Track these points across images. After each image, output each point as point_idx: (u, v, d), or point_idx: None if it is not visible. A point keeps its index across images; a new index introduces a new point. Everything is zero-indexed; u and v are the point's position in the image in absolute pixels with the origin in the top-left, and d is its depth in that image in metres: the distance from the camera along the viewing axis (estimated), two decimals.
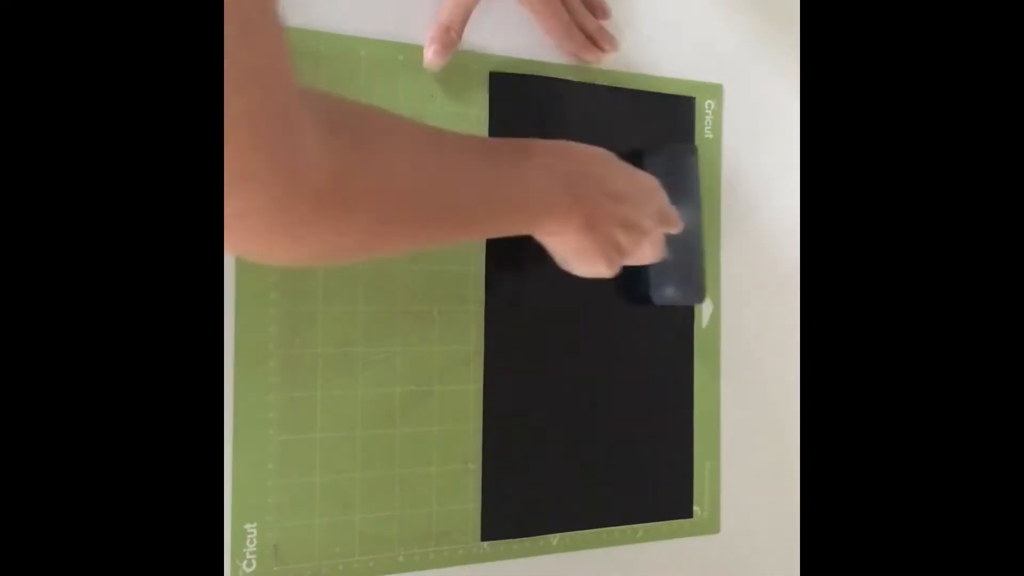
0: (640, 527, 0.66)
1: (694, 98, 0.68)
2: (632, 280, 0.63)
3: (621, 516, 0.65)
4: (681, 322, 0.68)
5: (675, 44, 0.68)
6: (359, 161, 0.41)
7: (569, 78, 0.64)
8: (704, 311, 0.69)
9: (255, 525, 0.54)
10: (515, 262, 0.62)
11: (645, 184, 0.56)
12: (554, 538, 0.63)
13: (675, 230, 0.59)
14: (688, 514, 0.68)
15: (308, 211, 0.37)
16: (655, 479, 0.66)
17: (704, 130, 0.69)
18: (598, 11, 0.65)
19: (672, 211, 0.58)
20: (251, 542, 0.54)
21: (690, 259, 0.64)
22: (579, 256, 0.54)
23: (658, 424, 0.67)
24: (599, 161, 0.54)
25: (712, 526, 0.69)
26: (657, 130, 0.67)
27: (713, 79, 0.69)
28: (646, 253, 0.57)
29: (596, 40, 0.64)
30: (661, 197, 0.57)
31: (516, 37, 0.62)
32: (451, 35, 0.57)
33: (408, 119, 0.48)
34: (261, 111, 0.33)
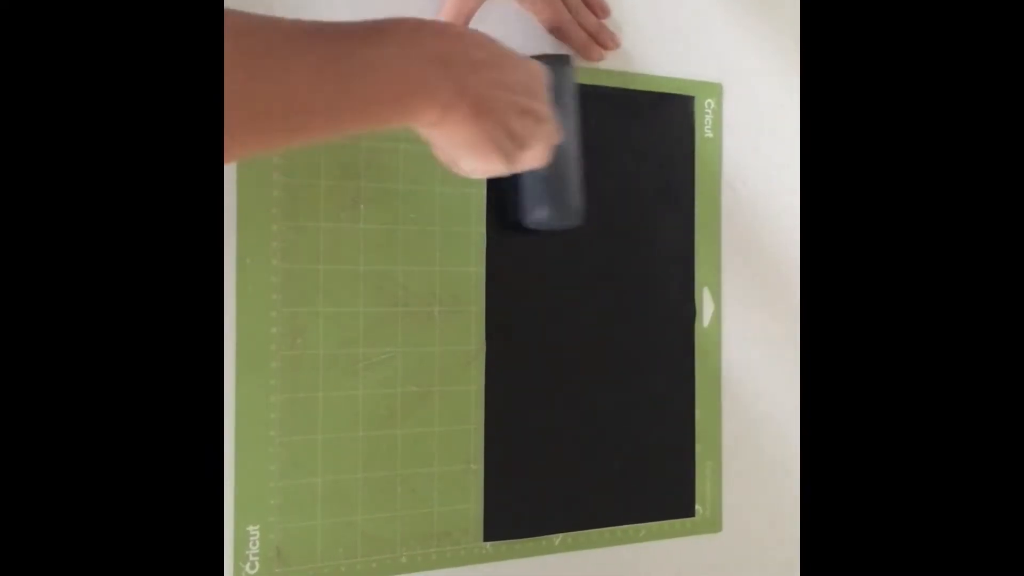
0: (642, 527, 0.66)
1: (693, 97, 0.68)
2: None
3: (623, 516, 0.65)
4: (682, 321, 0.68)
5: (675, 43, 0.68)
6: None
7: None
8: (704, 311, 0.69)
9: (257, 527, 0.54)
10: (516, 262, 0.62)
11: (533, 69, 0.50)
12: (556, 538, 0.63)
13: (554, 140, 0.53)
14: (690, 513, 0.68)
15: None
16: (657, 478, 0.66)
17: (704, 129, 0.69)
18: (598, 10, 0.65)
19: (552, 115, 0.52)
20: (254, 544, 0.54)
21: (564, 178, 0.60)
22: (469, 150, 0.48)
23: (660, 423, 0.67)
24: (481, 44, 0.48)
25: (714, 525, 0.69)
26: (656, 129, 0.67)
27: (713, 78, 0.70)
28: (537, 152, 0.51)
29: (598, 38, 0.64)
30: (546, 81, 0.52)
31: (516, 38, 0.62)
32: None
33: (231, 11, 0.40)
34: None
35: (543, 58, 0.58)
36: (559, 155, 0.56)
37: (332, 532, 0.56)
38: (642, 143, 0.66)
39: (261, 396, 0.54)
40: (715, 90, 0.69)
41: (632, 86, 0.66)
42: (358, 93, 0.43)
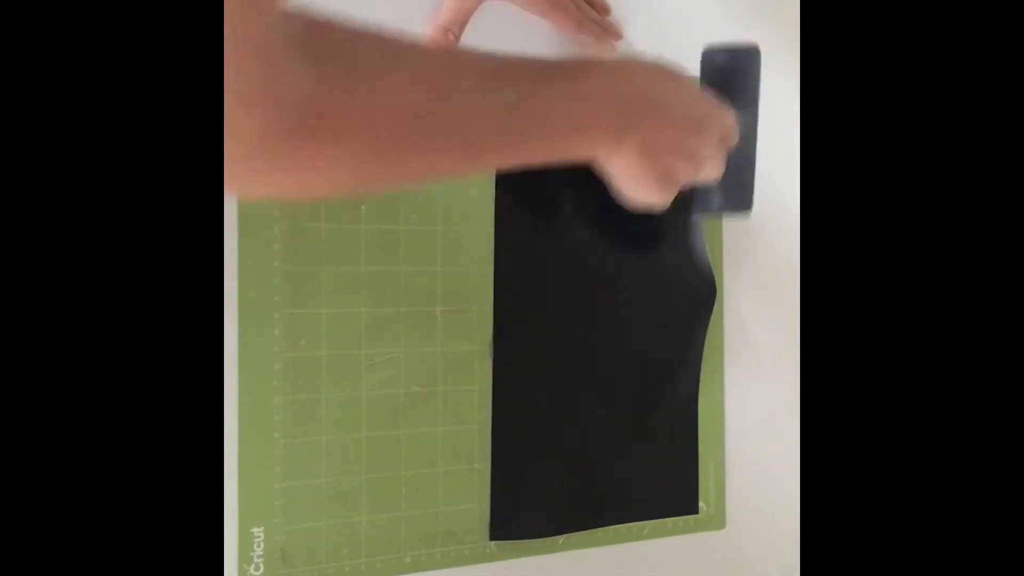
0: (646, 524, 0.66)
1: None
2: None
3: (628, 514, 0.65)
4: (688, 321, 0.68)
5: (676, 41, 0.68)
6: (346, 83, 0.38)
7: None
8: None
9: (262, 528, 0.54)
10: (524, 262, 0.62)
11: (710, 109, 0.52)
12: (560, 536, 0.63)
13: (732, 145, 0.55)
14: (694, 510, 0.68)
15: (296, 139, 0.35)
16: (661, 476, 0.66)
17: None
18: (599, 7, 0.65)
19: (734, 130, 0.54)
20: (258, 546, 0.54)
21: (741, 166, 0.59)
22: (632, 183, 0.50)
23: (664, 421, 0.67)
24: (663, 79, 0.50)
25: (718, 522, 0.69)
26: None
27: None
28: (702, 178, 0.53)
29: (604, 32, 0.64)
30: (726, 120, 0.53)
31: (515, 38, 0.62)
32: (449, 37, 0.57)
33: (417, 42, 0.44)
34: (237, 44, 0.31)
35: (730, 50, 0.57)
36: (740, 145, 0.56)
37: (336, 533, 0.56)
38: None
39: (264, 398, 0.54)
40: None
41: None
42: (538, 131, 0.45)
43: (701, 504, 0.68)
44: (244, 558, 0.53)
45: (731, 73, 0.57)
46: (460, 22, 0.57)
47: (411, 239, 0.58)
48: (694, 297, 0.68)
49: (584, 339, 0.64)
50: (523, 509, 0.61)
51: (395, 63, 0.40)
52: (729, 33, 0.70)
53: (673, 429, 0.67)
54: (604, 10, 0.65)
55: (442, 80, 0.42)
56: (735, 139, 0.54)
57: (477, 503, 0.60)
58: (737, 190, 0.60)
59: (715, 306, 0.69)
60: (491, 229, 0.61)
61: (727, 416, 0.69)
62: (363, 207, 0.57)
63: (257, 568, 0.54)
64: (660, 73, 0.50)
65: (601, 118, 0.47)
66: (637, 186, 0.51)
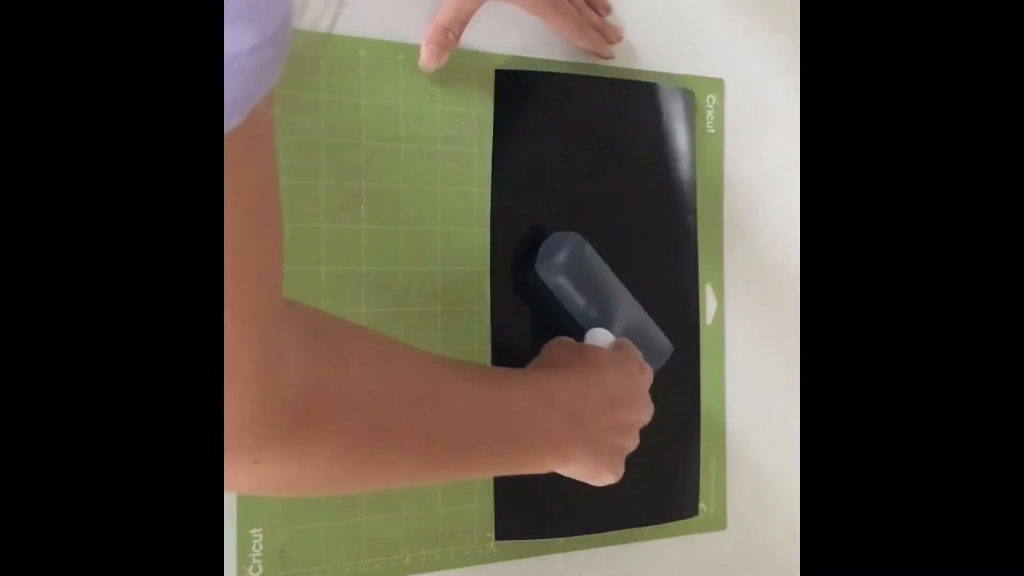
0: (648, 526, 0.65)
1: (692, 92, 0.68)
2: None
3: (632, 517, 0.65)
4: (685, 321, 0.68)
5: (676, 40, 0.68)
6: (334, 377, 0.39)
7: (571, 74, 0.64)
8: (708, 308, 0.69)
9: (261, 530, 0.54)
10: (522, 260, 0.62)
11: (630, 375, 0.56)
12: (560, 539, 0.63)
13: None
14: (693, 513, 0.67)
15: (287, 424, 0.36)
16: (663, 479, 0.66)
17: (706, 126, 0.69)
18: (600, 7, 0.65)
19: (648, 370, 0.58)
20: (257, 547, 0.54)
21: (642, 330, 0.62)
22: (589, 478, 0.55)
23: (664, 423, 0.66)
24: (599, 383, 0.54)
25: (719, 523, 0.69)
26: (661, 121, 0.67)
27: (714, 74, 0.69)
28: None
29: (604, 34, 0.64)
30: (645, 374, 0.57)
31: (514, 37, 0.62)
32: (449, 36, 0.57)
33: (399, 343, 0.47)
34: (252, 322, 0.32)
35: (556, 247, 0.59)
36: (633, 327, 0.61)
37: (336, 534, 0.56)
38: (645, 136, 0.65)
39: None
40: (717, 86, 0.69)
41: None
42: (506, 437, 0.49)
43: (702, 505, 0.68)
44: (243, 559, 0.53)
45: (574, 271, 0.59)
46: (460, 22, 0.57)
47: (411, 239, 0.58)
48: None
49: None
50: (528, 508, 0.61)
51: (372, 355, 0.43)
52: (729, 33, 0.70)
53: (676, 433, 0.67)
54: (605, 9, 0.65)
55: (419, 378, 0.45)
56: (651, 372, 0.58)
57: (477, 504, 0.60)
58: (653, 346, 0.62)
59: (718, 303, 0.69)
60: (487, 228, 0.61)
61: (728, 416, 0.69)
62: (363, 207, 0.57)
63: (256, 569, 0.54)
64: (591, 358, 0.55)
65: (556, 432, 0.51)
66: (595, 478, 0.55)
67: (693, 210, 0.68)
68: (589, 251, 0.60)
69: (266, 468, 0.37)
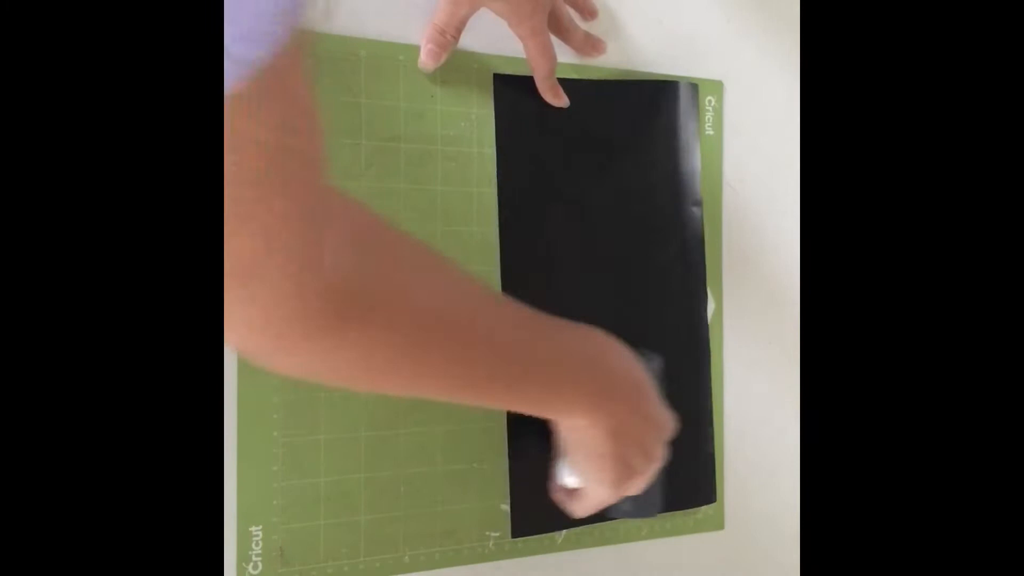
0: (644, 524, 0.66)
1: (696, 85, 0.68)
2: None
3: (648, 506, 0.63)
4: (690, 324, 0.67)
5: (675, 41, 0.68)
6: (378, 280, 0.41)
7: (571, 76, 0.64)
8: (708, 308, 0.69)
9: (260, 527, 0.54)
10: (528, 262, 0.62)
11: (667, 417, 0.56)
12: (559, 536, 0.63)
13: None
14: (711, 499, 0.68)
15: (317, 320, 0.37)
16: (680, 465, 0.63)
17: (705, 126, 0.69)
18: (585, 11, 0.64)
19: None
20: (256, 544, 0.54)
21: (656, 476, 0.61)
22: (592, 461, 0.54)
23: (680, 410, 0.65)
24: (638, 372, 0.55)
25: (717, 522, 0.69)
26: (657, 119, 0.67)
27: (714, 76, 0.69)
28: (640, 484, 0.57)
29: (585, 48, 0.64)
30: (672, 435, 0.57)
31: (508, 40, 0.62)
32: (446, 37, 0.57)
33: (447, 263, 0.48)
34: (292, 214, 0.34)
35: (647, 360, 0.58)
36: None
37: (335, 532, 0.56)
38: (648, 134, 0.65)
39: (264, 396, 0.54)
40: (716, 87, 0.69)
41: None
42: (543, 376, 0.50)
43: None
44: (243, 557, 0.53)
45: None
46: (455, 25, 0.57)
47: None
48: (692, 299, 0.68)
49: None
50: (544, 503, 0.60)
51: (420, 269, 0.45)
52: (729, 32, 0.70)
53: (688, 422, 0.65)
54: (591, 13, 0.65)
55: (467, 293, 0.47)
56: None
57: (477, 502, 0.60)
58: (648, 497, 0.61)
59: (716, 304, 0.69)
60: (493, 228, 0.61)
61: (726, 416, 0.69)
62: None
63: (256, 567, 0.54)
64: (636, 367, 0.55)
65: (595, 384, 0.52)
66: (595, 465, 0.54)
67: (699, 203, 0.68)
68: None
69: (307, 356, 0.39)
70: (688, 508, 0.67)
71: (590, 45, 0.64)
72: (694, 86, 0.68)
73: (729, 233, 0.70)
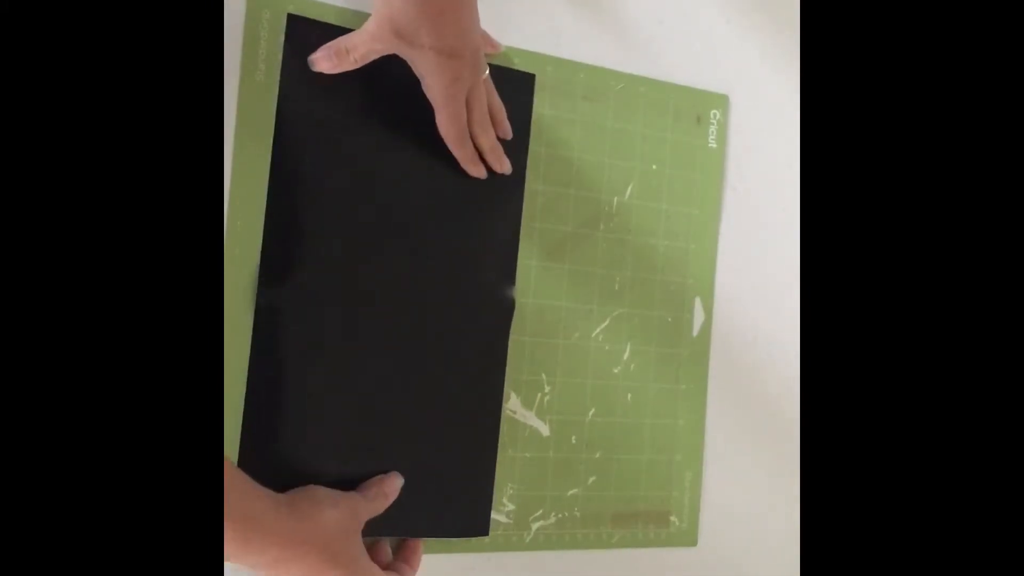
0: (615, 533, 0.65)
1: (534, 75, 0.63)
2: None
3: (413, 526, 0.59)
4: (498, 314, 0.62)
5: (681, 54, 0.68)
6: None
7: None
8: (695, 320, 0.68)
9: None
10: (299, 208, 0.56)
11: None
12: (527, 534, 0.62)
13: None
14: (484, 532, 0.61)
15: None
16: (456, 490, 0.60)
17: (709, 140, 0.69)
18: (499, 127, 0.61)
19: None
20: None
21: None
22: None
23: (459, 436, 0.61)
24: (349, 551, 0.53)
25: (690, 538, 0.68)
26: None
27: (719, 89, 0.69)
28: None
29: (487, 158, 0.60)
30: None
31: (513, 38, 0.62)
32: (349, 59, 0.55)
33: None
34: None
35: None
36: None
37: None
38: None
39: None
40: (722, 101, 0.69)
41: (636, 95, 0.66)
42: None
43: (673, 518, 0.67)
44: None
45: None
46: (363, 55, 0.55)
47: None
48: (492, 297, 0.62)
49: (395, 328, 0.59)
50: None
51: None
52: (729, 32, 0.70)
53: (470, 448, 0.60)
54: (503, 132, 0.61)
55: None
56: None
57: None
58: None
59: (706, 317, 0.69)
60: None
61: (708, 429, 0.69)
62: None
63: None
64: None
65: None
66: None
67: (520, 197, 0.62)
68: None
69: None
70: (456, 537, 0.60)
71: (495, 157, 0.60)
72: (530, 76, 0.63)
73: (731, 240, 0.69)
